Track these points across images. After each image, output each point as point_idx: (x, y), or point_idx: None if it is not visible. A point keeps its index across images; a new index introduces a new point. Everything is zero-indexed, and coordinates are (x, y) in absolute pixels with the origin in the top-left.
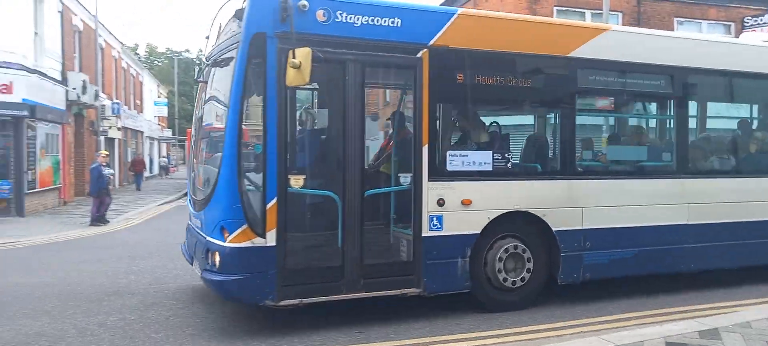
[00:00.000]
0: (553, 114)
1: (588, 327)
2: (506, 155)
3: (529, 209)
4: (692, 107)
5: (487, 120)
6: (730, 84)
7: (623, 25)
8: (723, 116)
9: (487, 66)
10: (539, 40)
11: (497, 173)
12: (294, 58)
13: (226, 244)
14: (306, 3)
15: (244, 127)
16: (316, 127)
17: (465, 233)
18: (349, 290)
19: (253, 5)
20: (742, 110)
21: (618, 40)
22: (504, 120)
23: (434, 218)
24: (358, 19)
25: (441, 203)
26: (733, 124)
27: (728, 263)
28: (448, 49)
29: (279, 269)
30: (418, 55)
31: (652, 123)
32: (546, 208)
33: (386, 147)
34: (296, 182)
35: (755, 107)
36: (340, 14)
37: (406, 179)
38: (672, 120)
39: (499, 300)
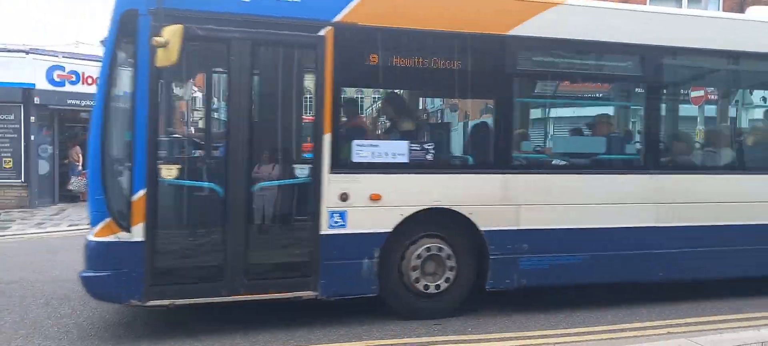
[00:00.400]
0: (486, 100)
1: (676, 328)
2: (426, 146)
3: (452, 205)
4: (666, 93)
5: (405, 107)
6: (717, 66)
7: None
8: (707, 104)
9: (405, 46)
10: (471, 17)
11: (414, 166)
12: (161, 36)
13: (91, 238)
14: None
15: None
16: (202, 115)
17: (373, 231)
18: (230, 291)
19: None
20: (730, 97)
21: (571, 16)
22: (429, 107)
23: (336, 214)
24: None
25: (344, 197)
26: (718, 113)
27: (709, 273)
28: (358, 26)
29: (147, 266)
30: (321, 33)
31: (615, 111)
32: (473, 205)
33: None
34: (168, 172)
35: (746, 93)
36: None
37: (303, 170)
38: (639, 108)
39: (416, 307)
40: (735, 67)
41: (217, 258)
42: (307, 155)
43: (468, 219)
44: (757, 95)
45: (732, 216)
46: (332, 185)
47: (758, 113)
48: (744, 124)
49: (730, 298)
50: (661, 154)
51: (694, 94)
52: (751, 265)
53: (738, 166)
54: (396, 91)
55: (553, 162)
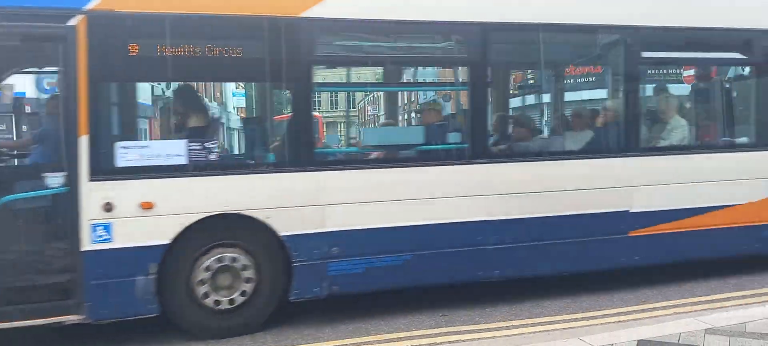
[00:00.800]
0: (279, 91)
1: (682, 308)
2: (209, 144)
3: (244, 210)
4: (497, 76)
5: (184, 101)
6: (553, 42)
7: None
8: (544, 86)
9: (174, 33)
10: None
11: (195, 167)
12: None
13: None
14: None
15: None
16: None
17: (146, 244)
18: None
19: None
20: (573, 76)
21: None
22: (213, 101)
23: (99, 227)
24: None
25: (109, 207)
26: (558, 95)
27: (553, 268)
28: (115, 13)
29: None
30: (71, 23)
31: (438, 97)
32: (270, 208)
33: None
34: None
35: (589, 72)
36: None
37: (56, 179)
38: (465, 93)
39: (208, 325)
40: (571, 42)
41: None
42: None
43: (265, 224)
44: (599, 72)
45: (574, 205)
46: (93, 193)
47: (602, 91)
48: (589, 104)
49: (734, 275)
50: (490, 142)
51: (534, 75)
52: (599, 257)
53: (579, 152)
54: (172, 84)
55: (361, 156)
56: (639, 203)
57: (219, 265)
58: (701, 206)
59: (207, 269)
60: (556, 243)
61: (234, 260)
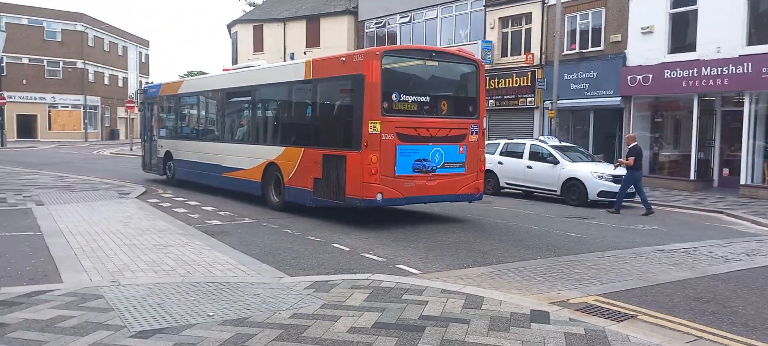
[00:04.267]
0: None
1: None
2: None
3: None
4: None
5: None
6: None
7: None
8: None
9: None
10: None
11: None
12: None
13: None
14: None
15: None
16: None
17: None
18: None
19: None
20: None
21: None
22: None
23: None
24: None
25: None
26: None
27: (218, 183)
28: None
29: None
30: None
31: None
32: None
33: None
34: None
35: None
36: None
37: None
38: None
39: None
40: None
41: None
42: None
43: None
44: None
45: (213, 159)
46: None
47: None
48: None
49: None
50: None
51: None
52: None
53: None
54: None
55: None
56: (225, 163)
57: None
58: (238, 166)
59: None
60: (213, 174)
61: None
